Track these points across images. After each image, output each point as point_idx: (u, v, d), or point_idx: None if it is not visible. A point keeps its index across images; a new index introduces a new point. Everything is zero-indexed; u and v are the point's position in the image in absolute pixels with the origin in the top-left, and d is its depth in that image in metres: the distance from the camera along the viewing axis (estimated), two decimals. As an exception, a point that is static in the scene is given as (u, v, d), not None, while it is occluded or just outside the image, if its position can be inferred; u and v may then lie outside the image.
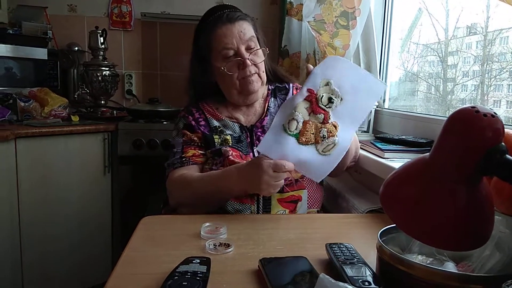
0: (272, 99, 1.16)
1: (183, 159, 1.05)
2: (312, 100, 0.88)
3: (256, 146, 1.06)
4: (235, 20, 1.06)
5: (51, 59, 1.96)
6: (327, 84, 0.87)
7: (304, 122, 0.87)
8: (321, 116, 0.87)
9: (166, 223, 0.85)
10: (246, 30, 1.06)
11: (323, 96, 0.87)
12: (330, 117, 0.87)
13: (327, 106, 0.87)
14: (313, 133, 0.87)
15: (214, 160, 1.05)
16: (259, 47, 1.08)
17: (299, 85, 1.21)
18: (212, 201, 0.96)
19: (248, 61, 1.04)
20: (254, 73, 1.06)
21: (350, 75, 0.88)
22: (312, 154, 0.86)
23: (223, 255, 0.68)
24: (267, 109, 1.14)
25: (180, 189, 1.01)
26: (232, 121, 1.11)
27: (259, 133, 1.09)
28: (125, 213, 1.81)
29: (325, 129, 0.87)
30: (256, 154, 1.05)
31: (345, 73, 0.88)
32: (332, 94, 0.87)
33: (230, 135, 1.08)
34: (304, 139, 0.87)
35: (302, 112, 0.87)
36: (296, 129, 0.87)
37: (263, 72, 1.09)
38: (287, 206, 0.99)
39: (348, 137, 0.88)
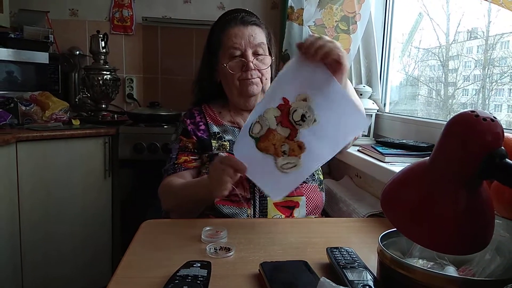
0: None
1: (176, 166, 1.07)
2: (284, 110, 0.78)
3: None
4: (249, 23, 1.08)
5: (52, 63, 1.97)
6: (305, 99, 0.77)
7: (269, 130, 0.79)
8: (287, 130, 0.79)
9: (167, 227, 0.85)
10: (257, 35, 1.07)
11: (296, 110, 0.78)
12: (298, 135, 0.78)
13: (297, 123, 0.78)
14: (274, 144, 0.79)
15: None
16: (266, 54, 1.09)
17: None
18: (191, 206, 0.97)
19: (251, 64, 1.06)
20: (256, 78, 1.07)
21: (335, 100, 0.77)
22: (269, 165, 0.79)
23: (224, 259, 0.67)
24: None
25: (166, 195, 1.04)
26: (233, 126, 1.11)
27: None
28: (125, 216, 1.81)
29: (288, 146, 0.78)
30: None
31: (331, 97, 0.77)
32: (307, 112, 0.77)
33: (229, 140, 1.08)
34: (262, 145, 0.80)
35: (270, 119, 0.79)
36: (258, 133, 0.81)
37: (266, 79, 1.09)
38: (283, 212, 0.99)
39: (312, 166, 0.79)
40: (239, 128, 1.11)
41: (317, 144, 0.78)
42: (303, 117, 0.78)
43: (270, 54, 1.11)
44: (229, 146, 1.07)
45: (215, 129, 1.10)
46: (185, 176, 1.06)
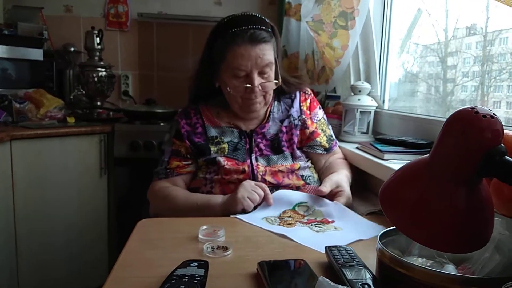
0: (276, 103, 1.14)
1: (168, 171, 1.06)
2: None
3: (254, 153, 1.06)
4: (258, 42, 0.99)
5: (47, 60, 1.95)
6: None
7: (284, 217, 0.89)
8: (306, 219, 0.89)
9: (163, 225, 0.85)
10: (265, 55, 1.00)
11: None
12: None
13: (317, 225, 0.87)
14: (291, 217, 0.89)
15: (208, 169, 1.05)
16: (272, 78, 1.04)
17: (309, 90, 1.18)
18: (191, 217, 0.97)
19: (256, 89, 1.01)
20: (260, 97, 1.04)
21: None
22: (305, 231, 0.82)
23: (221, 258, 0.67)
24: (269, 114, 1.11)
25: (161, 202, 1.03)
26: (231, 128, 1.09)
27: (258, 140, 1.08)
28: (121, 215, 1.80)
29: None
30: (254, 161, 1.05)
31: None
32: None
33: (228, 142, 1.06)
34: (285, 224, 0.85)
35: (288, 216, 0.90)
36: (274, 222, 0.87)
37: (269, 95, 1.07)
38: None
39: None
40: (238, 129, 1.09)
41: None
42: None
43: (276, 65, 1.06)
44: (228, 149, 1.05)
45: (213, 132, 1.08)
46: (178, 182, 1.06)
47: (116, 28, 2.20)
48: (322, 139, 1.13)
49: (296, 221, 0.86)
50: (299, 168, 1.07)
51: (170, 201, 1.00)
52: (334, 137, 1.19)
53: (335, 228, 0.83)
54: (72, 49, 2.10)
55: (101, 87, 1.94)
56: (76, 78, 1.99)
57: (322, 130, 1.15)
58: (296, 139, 1.09)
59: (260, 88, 1.02)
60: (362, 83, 1.43)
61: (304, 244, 0.73)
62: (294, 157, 1.08)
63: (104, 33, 1.98)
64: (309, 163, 1.12)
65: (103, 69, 1.94)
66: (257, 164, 1.04)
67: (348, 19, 1.47)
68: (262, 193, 0.92)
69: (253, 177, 1.02)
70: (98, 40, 1.93)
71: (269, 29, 1.03)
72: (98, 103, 2.00)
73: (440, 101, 1.44)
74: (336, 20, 1.50)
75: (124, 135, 1.75)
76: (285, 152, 1.08)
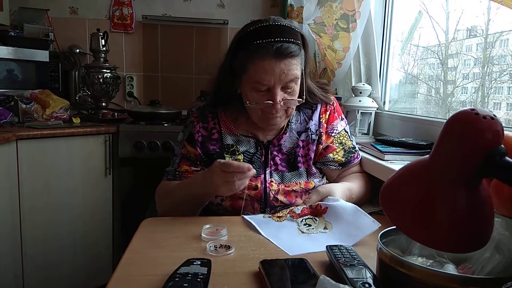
0: (295, 113, 1.06)
1: (177, 173, 1.03)
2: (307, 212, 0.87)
3: (269, 167, 1.02)
4: (284, 57, 0.90)
5: (53, 61, 1.97)
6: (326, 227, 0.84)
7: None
8: (300, 208, 0.88)
9: (167, 225, 0.86)
10: (291, 70, 0.91)
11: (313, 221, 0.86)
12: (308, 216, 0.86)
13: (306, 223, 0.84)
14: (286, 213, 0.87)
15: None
16: (296, 92, 0.96)
17: (332, 99, 1.11)
18: (187, 206, 0.95)
19: (278, 105, 0.93)
20: (281, 111, 0.98)
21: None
22: (291, 228, 0.82)
23: (224, 257, 0.68)
24: (288, 124, 1.05)
25: (163, 198, 1.01)
26: (248, 137, 1.04)
27: (275, 152, 1.03)
28: (126, 214, 1.82)
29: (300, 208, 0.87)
30: (268, 177, 1.00)
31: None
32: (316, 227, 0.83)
33: (244, 152, 1.02)
34: (276, 217, 0.86)
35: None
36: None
37: (292, 109, 0.99)
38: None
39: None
40: (255, 139, 1.04)
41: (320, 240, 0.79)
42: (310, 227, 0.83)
43: (302, 79, 0.97)
44: (243, 161, 1.01)
45: (229, 140, 1.03)
46: None
47: (121, 30, 2.22)
48: (336, 154, 1.07)
49: (288, 213, 0.85)
50: (313, 188, 1.02)
51: (171, 196, 0.98)
52: (356, 148, 1.12)
53: (325, 228, 0.81)
54: (78, 50, 2.13)
55: (106, 88, 1.95)
56: (82, 79, 2.01)
57: (340, 143, 1.08)
58: (312, 155, 1.04)
59: (282, 104, 0.95)
60: (363, 84, 1.44)
61: (280, 247, 0.73)
62: (309, 174, 1.03)
63: (109, 35, 2.00)
64: (324, 181, 1.08)
65: (108, 71, 1.96)
66: (271, 181, 1.00)
67: (349, 22, 1.48)
68: (245, 183, 0.85)
69: (265, 195, 0.99)
70: (103, 42, 1.95)
71: (298, 41, 0.94)
72: (103, 104, 2.02)
73: (441, 103, 1.45)
74: (337, 23, 1.51)
75: (129, 135, 1.76)
76: (300, 169, 1.03)
